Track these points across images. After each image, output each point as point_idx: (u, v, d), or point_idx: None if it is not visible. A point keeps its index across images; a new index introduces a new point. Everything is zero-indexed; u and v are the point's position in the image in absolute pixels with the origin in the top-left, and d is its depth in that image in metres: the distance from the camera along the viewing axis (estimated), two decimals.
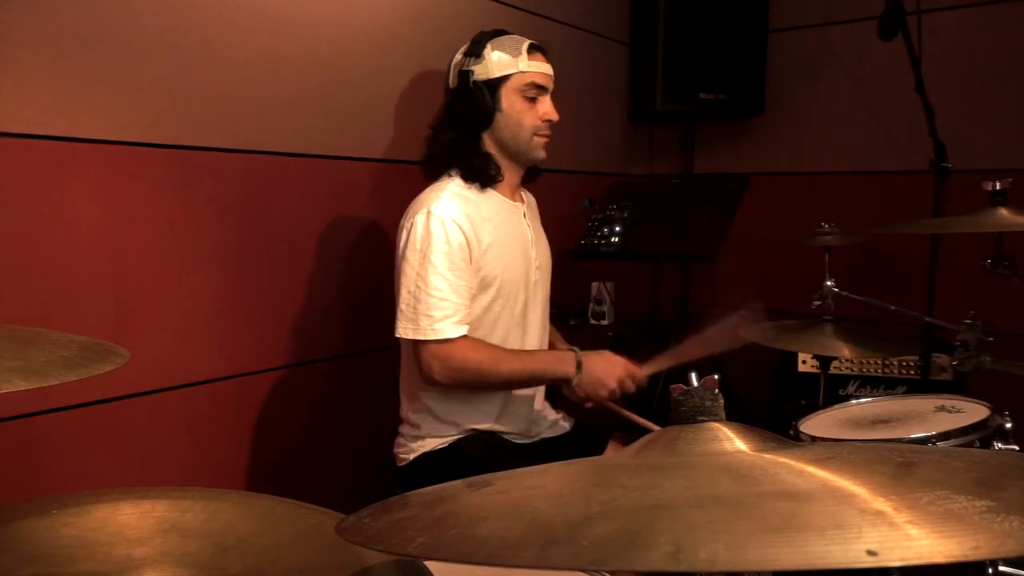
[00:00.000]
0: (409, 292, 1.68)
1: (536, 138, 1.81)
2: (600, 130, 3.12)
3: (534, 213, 1.98)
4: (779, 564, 0.46)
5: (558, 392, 2.03)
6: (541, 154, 1.84)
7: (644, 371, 1.79)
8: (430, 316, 1.66)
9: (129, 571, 0.74)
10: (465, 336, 1.69)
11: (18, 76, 1.48)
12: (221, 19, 1.80)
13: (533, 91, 1.79)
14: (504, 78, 1.77)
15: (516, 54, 1.77)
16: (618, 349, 1.83)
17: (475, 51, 1.77)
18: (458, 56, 1.80)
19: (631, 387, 1.78)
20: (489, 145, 1.81)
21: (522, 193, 1.94)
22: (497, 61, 1.76)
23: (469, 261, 1.72)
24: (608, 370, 1.75)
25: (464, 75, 1.76)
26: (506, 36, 1.81)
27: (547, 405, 1.99)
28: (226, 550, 0.77)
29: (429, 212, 1.69)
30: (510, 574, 0.70)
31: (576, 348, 1.80)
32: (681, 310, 3.01)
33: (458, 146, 1.79)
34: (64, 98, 1.55)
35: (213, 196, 1.82)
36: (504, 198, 1.85)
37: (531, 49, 1.79)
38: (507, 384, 1.80)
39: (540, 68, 1.80)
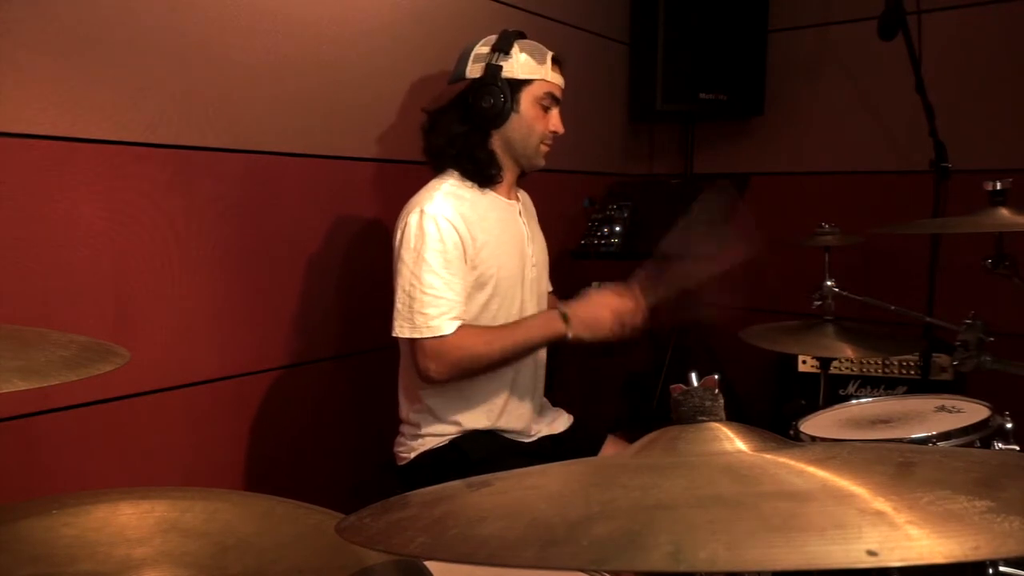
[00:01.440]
0: (404, 291, 1.68)
1: (542, 147, 1.84)
2: (600, 130, 3.12)
3: (529, 211, 1.99)
4: (779, 564, 0.46)
5: (556, 391, 2.03)
6: (542, 162, 1.87)
7: (640, 297, 1.75)
8: (425, 314, 1.66)
9: (129, 571, 0.74)
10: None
11: (18, 76, 1.48)
12: (221, 19, 1.80)
13: (548, 101, 1.81)
14: (527, 81, 1.78)
15: (542, 61, 1.80)
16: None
17: (504, 47, 1.76)
18: (483, 48, 1.79)
19: (632, 318, 1.74)
20: (496, 144, 1.82)
21: (517, 192, 1.94)
22: (524, 63, 1.77)
23: (464, 259, 1.72)
24: (596, 308, 1.74)
25: (493, 68, 1.75)
26: (530, 41, 1.82)
27: (547, 402, 2.00)
28: (226, 550, 0.77)
29: (422, 211, 1.69)
30: (510, 574, 0.70)
31: (561, 304, 1.79)
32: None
33: (468, 140, 1.79)
34: (64, 98, 1.55)
35: (213, 196, 1.82)
36: (500, 196, 1.86)
37: (553, 60, 1.82)
38: (506, 361, 1.77)
39: (558, 81, 1.83)
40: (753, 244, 1.80)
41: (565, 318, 1.72)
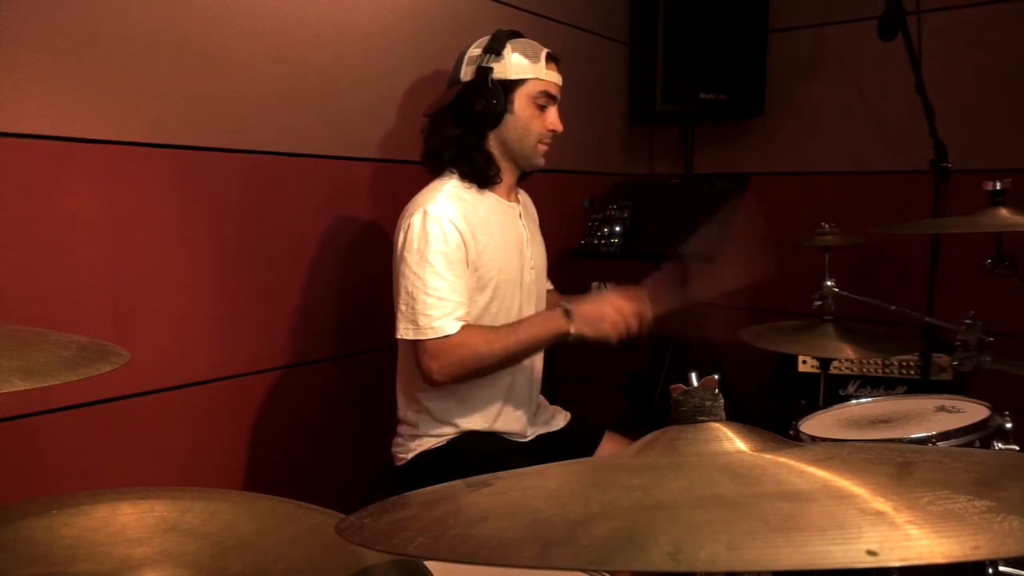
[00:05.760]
0: (408, 293, 1.68)
1: (540, 145, 1.83)
2: (600, 130, 3.11)
3: (530, 213, 1.98)
4: (779, 564, 0.46)
5: (556, 390, 2.03)
6: (541, 161, 1.85)
7: (646, 302, 1.71)
8: (428, 315, 1.66)
9: (129, 571, 0.74)
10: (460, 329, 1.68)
11: (18, 76, 1.48)
12: (221, 19, 1.80)
13: (544, 99, 1.80)
14: (521, 81, 1.77)
15: (535, 60, 1.78)
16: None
17: (495, 48, 1.76)
18: (475, 50, 1.79)
19: (635, 321, 1.69)
20: (493, 145, 1.81)
21: (518, 194, 1.94)
22: (516, 63, 1.76)
23: (466, 261, 1.71)
24: (600, 306, 1.69)
25: (483, 71, 1.75)
26: (524, 39, 1.81)
27: (543, 401, 2.00)
28: (226, 550, 0.77)
29: (426, 212, 1.69)
30: (510, 574, 0.70)
31: (563, 300, 1.76)
32: (681, 310, 3.00)
33: (463, 143, 1.78)
34: (64, 98, 1.55)
35: (213, 196, 1.82)
36: (500, 199, 1.85)
37: (548, 58, 1.80)
38: (507, 361, 1.73)
39: (554, 78, 1.81)
40: (765, 264, 1.80)
41: (568, 313, 1.68)
